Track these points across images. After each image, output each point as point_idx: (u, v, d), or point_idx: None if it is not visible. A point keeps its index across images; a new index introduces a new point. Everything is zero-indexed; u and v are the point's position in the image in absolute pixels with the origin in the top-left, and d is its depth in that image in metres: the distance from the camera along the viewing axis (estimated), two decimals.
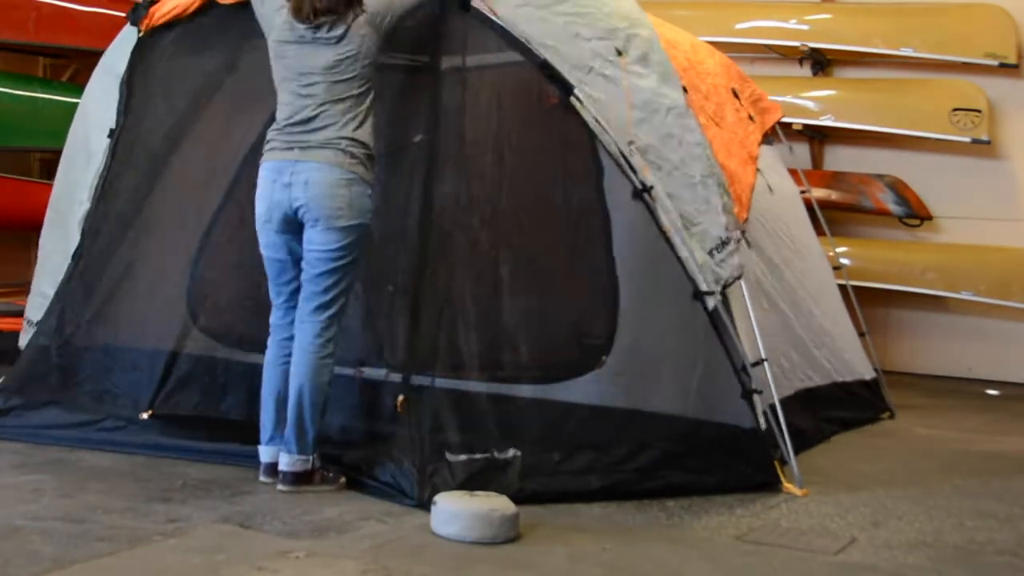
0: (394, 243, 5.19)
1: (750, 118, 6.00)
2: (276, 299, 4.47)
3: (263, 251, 4.42)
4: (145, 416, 4.95)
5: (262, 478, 4.43)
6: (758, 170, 5.79)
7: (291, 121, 4.30)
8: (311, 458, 4.34)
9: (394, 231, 5.21)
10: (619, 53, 4.71)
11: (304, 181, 4.23)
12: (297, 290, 4.40)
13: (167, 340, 5.28)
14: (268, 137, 4.39)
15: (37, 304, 5.45)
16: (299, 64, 4.31)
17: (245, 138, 5.48)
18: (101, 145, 5.32)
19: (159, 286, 5.40)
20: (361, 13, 4.33)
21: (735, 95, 5.92)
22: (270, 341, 4.49)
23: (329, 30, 4.27)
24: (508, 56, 4.68)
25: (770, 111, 6.53)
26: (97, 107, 5.42)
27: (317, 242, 4.27)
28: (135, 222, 5.35)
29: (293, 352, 4.34)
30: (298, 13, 4.29)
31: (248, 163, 5.46)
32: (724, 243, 4.69)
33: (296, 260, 4.37)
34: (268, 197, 4.32)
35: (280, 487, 4.31)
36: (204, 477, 4.49)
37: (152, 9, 5.25)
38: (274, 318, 4.49)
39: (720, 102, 5.69)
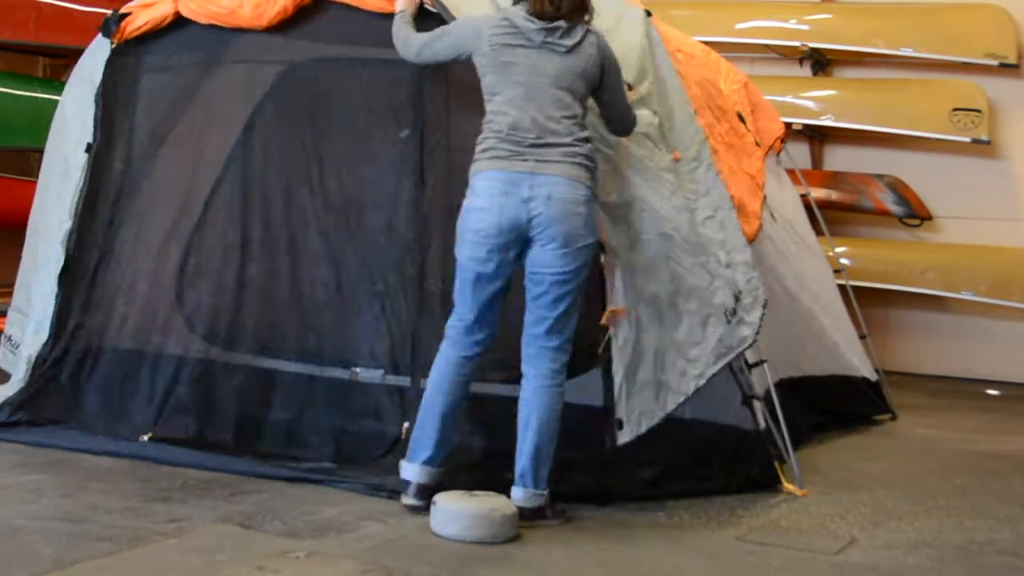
0: (383, 241, 5.19)
1: (756, 144, 5.97)
2: (466, 312, 4.10)
3: (467, 262, 4.05)
4: (145, 439, 4.93)
5: (411, 501, 4.07)
6: (764, 197, 5.75)
7: (519, 128, 4.01)
8: (545, 493, 4.06)
9: (383, 229, 5.21)
10: None
11: (547, 196, 3.94)
12: (488, 306, 4.09)
13: (165, 350, 5.28)
14: (486, 144, 4.06)
15: (15, 321, 5.44)
16: (527, 69, 4.05)
17: (228, 145, 5.48)
18: (78, 161, 5.31)
19: (156, 298, 5.39)
20: (593, 34, 4.14)
21: (741, 119, 5.87)
22: (446, 351, 4.14)
23: (561, 36, 4.07)
24: None
25: (771, 130, 6.45)
26: (73, 119, 5.41)
27: (553, 264, 3.98)
28: (125, 236, 5.35)
29: (526, 380, 4.07)
30: (540, 8, 4.05)
31: (234, 170, 5.47)
32: (734, 311, 4.56)
33: (502, 276, 4.05)
34: (499, 211, 3.96)
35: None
36: (204, 477, 4.48)
37: (124, 22, 5.25)
38: (455, 331, 4.14)
39: (734, 124, 5.65)
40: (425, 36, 4.33)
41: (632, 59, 4.62)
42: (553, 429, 4.04)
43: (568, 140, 4.02)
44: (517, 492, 4.04)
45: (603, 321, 4.25)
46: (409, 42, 4.37)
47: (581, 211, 3.99)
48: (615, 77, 4.22)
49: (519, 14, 4.10)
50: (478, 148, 4.09)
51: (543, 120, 4.01)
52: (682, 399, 4.42)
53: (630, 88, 4.52)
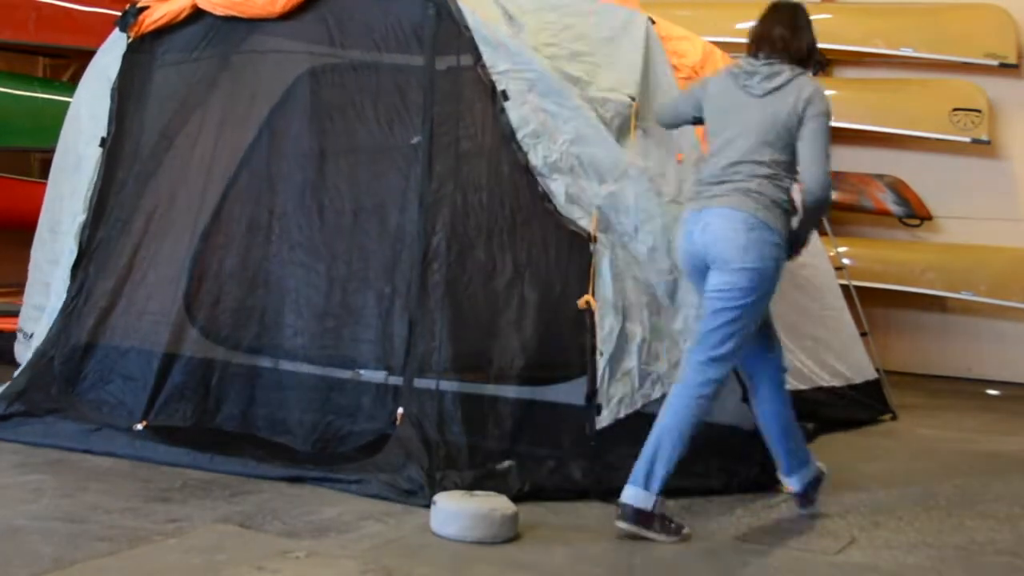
0: (391, 243, 5.20)
1: None
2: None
3: (702, 296, 4.20)
4: (139, 427, 4.94)
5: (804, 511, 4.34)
6: None
7: (710, 171, 4.13)
8: (655, 499, 3.96)
9: (391, 231, 5.22)
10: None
11: (704, 225, 4.06)
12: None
13: (165, 344, 5.29)
14: (689, 189, 4.30)
15: (31, 316, 5.45)
16: (725, 113, 4.16)
17: (240, 142, 5.49)
18: (92, 154, 5.32)
19: (157, 291, 5.41)
20: (798, 81, 4.07)
21: None
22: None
23: (761, 80, 4.10)
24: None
25: None
26: (88, 115, 5.42)
27: (712, 284, 4.06)
28: (132, 229, 5.36)
29: (675, 385, 4.13)
30: (758, 44, 4.16)
31: (244, 167, 5.48)
32: None
33: None
34: (680, 249, 4.22)
35: (618, 524, 3.98)
36: (204, 477, 4.48)
37: (141, 16, 5.26)
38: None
39: None
40: (677, 98, 4.61)
41: (636, 76, 4.82)
42: (676, 436, 4.00)
43: (740, 177, 4.04)
44: (627, 490, 3.99)
45: (580, 304, 4.40)
46: (664, 106, 4.66)
47: (735, 236, 3.99)
48: (812, 127, 4.04)
49: (740, 68, 4.18)
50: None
51: (727, 164, 4.07)
52: (669, 387, 4.43)
53: (633, 100, 4.69)
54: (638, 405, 4.46)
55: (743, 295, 3.99)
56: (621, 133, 4.70)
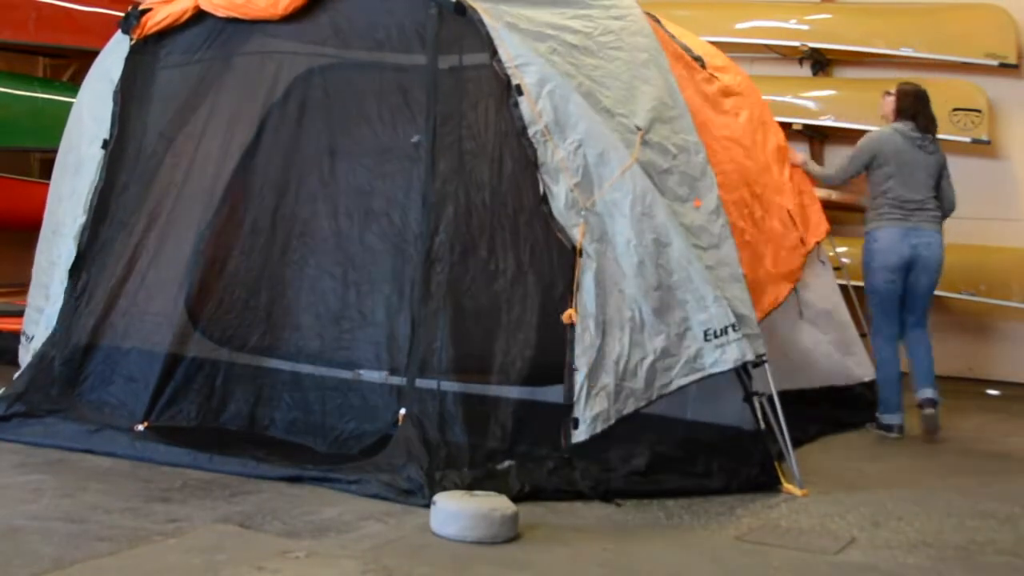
0: (395, 244, 5.20)
1: (800, 241, 6.14)
2: (894, 319, 6.31)
3: (886, 285, 6.21)
4: (141, 428, 4.94)
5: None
6: (794, 290, 5.93)
7: (907, 200, 6.22)
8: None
9: (395, 231, 5.22)
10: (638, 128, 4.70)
11: (928, 243, 6.26)
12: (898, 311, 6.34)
13: (167, 345, 5.29)
14: (883, 209, 6.25)
15: (33, 319, 5.45)
16: (912, 163, 6.25)
17: (242, 143, 5.48)
18: (94, 155, 5.32)
19: (159, 292, 5.41)
20: (938, 143, 6.45)
21: (791, 217, 6.15)
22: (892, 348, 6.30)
23: (928, 143, 6.32)
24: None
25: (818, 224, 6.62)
26: (90, 116, 5.42)
27: (928, 284, 6.32)
28: (133, 230, 5.36)
29: (921, 352, 6.37)
30: (915, 122, 6.30)
31: (246, 168, 5.47)
32: (724, 331, 4.63)
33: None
34: (899, 252, 6.21)
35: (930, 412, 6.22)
36: (204, 477, 4.48)
37: (144, 18, 5.25)
38: (892, 334, 6.33)
39: (760, 197, 5.71)
40: (843, 164, 6.57)
41: (648, 101, 4.73)
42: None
43: (931, 207, 6.31)
44: (932, 392, 6.26)
45: (564, 318, 4.43)
46: (829, 174, 6.81)
47: (942, 249, 6.33)
48: (947, 173, 6.45)
49: (905, 130, 6.30)
50: (875, 211, 6.28)
51: (917, 196, 6.25)
52: (643, 404, 4.50)
53: (639, 129, 4.61)
54: (612, 421, 4.44)
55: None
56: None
